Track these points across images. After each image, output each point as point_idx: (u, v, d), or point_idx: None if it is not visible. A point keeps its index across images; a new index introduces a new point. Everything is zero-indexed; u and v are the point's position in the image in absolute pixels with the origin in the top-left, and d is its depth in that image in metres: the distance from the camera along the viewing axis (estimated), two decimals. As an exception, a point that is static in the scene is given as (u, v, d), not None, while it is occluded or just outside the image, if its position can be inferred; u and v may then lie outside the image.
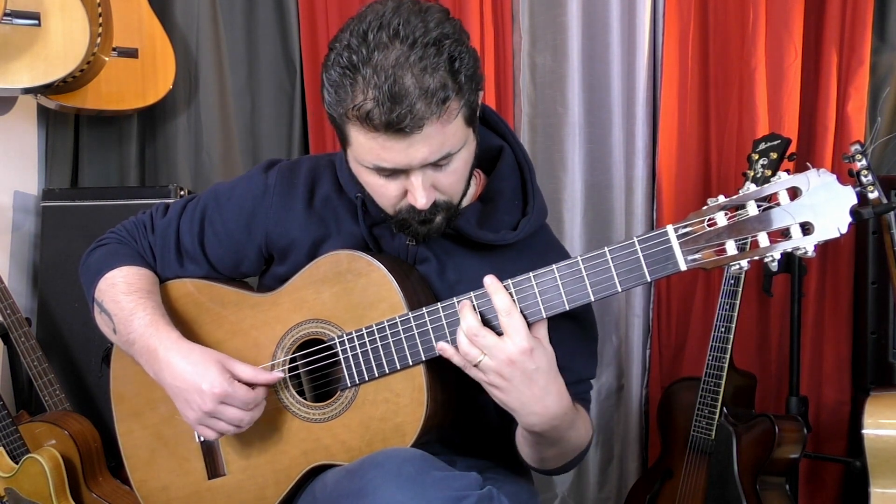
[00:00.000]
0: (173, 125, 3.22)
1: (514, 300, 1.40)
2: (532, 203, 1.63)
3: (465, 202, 1.61)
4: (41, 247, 2.98)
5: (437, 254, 1.61)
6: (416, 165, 1.40)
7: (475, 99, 1.43)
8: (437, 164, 1.42)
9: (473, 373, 1.42)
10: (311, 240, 1.64)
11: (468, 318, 1.40)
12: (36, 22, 2.66)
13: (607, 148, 3.08)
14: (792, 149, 2.56)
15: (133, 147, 3.22)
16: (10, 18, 2.59)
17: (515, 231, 1.59)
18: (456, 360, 1.43)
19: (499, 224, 1.60)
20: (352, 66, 1.34)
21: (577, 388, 1.63)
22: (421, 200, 1.43)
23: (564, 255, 1.67)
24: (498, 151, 1.65)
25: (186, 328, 1.67)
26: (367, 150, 1.40)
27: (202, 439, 1.68)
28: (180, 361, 1.55)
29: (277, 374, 1.58)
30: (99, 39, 2.84)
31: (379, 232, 1.62)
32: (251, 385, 1.55)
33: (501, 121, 1.68)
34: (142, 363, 1.63)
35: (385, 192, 1.47)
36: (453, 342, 1.45)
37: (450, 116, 1.37)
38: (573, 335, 1.61)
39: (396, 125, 1.32)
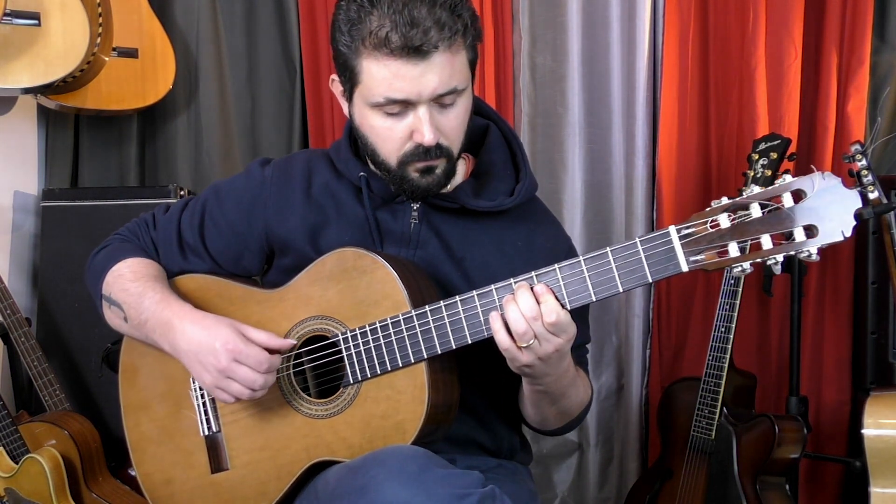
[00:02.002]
0: (173, 125, 3.22)
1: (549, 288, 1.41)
2: (524, 170, 1.70)
3: (457, 180, 1.67)
4: (41, 247, 2.98)
5: (440, 232, 1.65)
6: (426, 96, 1.48)
7: (475, 48, 1.53)
8: (442, 105, 1.51)
9: (515, 353, 1.43)
10: (310, 227, 1.66)
11: (529, 302, 1.40)
12: (36, 22, 2.66)
13: (607, 148, 3.08)
14: (792, 149, 2.56)
15: (133, 147, 3.22)
16: (10, 18, 2.59)
17: (512, 196, 1.65)
18: (501, 336, 1.42)
19: (495, 192, 1.66)
20: (369, 2, 1.45)
21: (576, 352, 1.69)
22: (428, 136, 1.50)
23: (558, 224, 1.77)
24: (484, 130, 1.72)
25: None
26: (379, 82, 1.47)
27: (207, 433, 1.69)
28: (194, 327, 1.58)
29: (290, 341, 1.59)
30: (99, 39, 2.83)
31: (382, 215, 1.65)
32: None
33: (483, 103, 1.77)
34: (156, 339, 1.64)
35: (390, 135, 1.53)
36: (457, 341, 1.46)
37: (458, 49, 1.48)
38: None
39: (413, 45, 1.42)
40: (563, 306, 1.40)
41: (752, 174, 2.50)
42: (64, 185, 3.16)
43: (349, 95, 1.57)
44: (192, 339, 1.57)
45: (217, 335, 1.55)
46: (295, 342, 1.60)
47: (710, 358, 2.57)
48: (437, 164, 1.55)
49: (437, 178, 1.57)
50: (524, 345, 1.41)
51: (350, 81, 1.54)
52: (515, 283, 1.43)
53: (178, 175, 3.19)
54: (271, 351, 1.56)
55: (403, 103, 1.49)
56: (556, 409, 1.64)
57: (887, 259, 2.48)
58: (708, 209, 1.31)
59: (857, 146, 2.41)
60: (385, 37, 1.43)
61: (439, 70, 1.46)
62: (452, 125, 1.54)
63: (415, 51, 1.43)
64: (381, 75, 1.47)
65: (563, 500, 3.17)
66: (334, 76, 1.60)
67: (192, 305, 1.64)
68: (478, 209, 1.63)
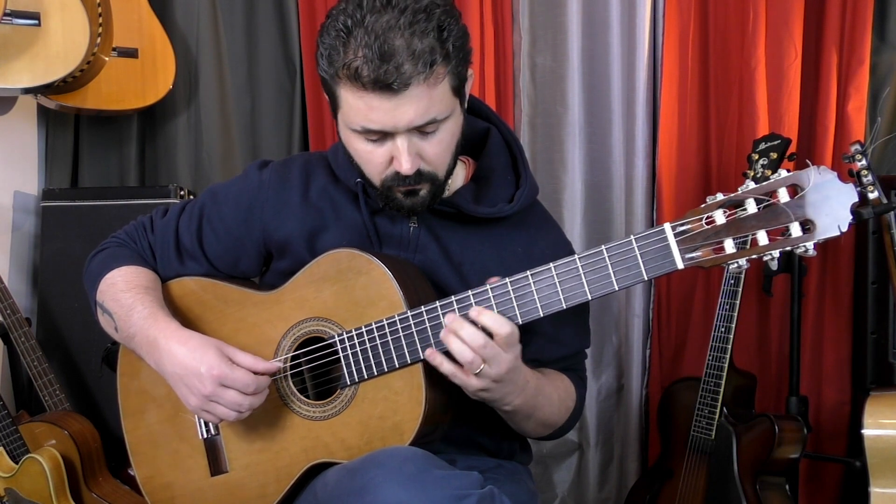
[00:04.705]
0: (173, 125, 3.22)
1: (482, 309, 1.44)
2: (524, 176, 1.68)
3: (456, 184, 1.66)
4: (41, 247, 2.98)
5: (439, 237, 1.64)
6: (402, 128, 1.44)
7: (463, 71, 1.49)
8: (423, 132, 1.47)
9: (465, 380, 1.45)
10: (308, 231, 1.66)
11: (469, 330, 1.42)
12: (36, 22, 2.66)
13: (607, 148, 3.07)
14: (792, 149, 2.56)
15: (133, 147, 3.22)
16: (10, 18, 2.59)
17: (511, 203, 1.64)
18: (445, 367, 1.45)
19: (495, 198, 1.64)
20: (346, 29, 1.41)
21: (570, 361, 1.72)
22: (405, 165, 1.47)
23: (558, 230, 1.76)
24: (484, 133, 1.70)
25: (191, 325, 1.68)
26: (355, 111, 1.45)
27: (206, 436, 1.69)
28: (179, 348, 1.57)
29: (276, 364, 1.59)
30: (99, 39, 2.84)
31: (380, 219, 1.65)
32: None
33: (484, 105, 1.74)
34: (143, 355, 1.64)
35: (371, 159, 1.52)
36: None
37: (437, 80, 1.43)
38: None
39: (384, 82, 1.38)
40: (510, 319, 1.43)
41: (752, 174, 2.50)
42: (64, 185, 3.17)
43: (334, 116, 1.56)
44: (177, 362, 1.57)
45: (203, 359, 1.54)
46: (281, 364, 1.60)
47: (710, 358, 2.57)
48: (421, 188, 1.54)
49: (423, 199, 1.55)
50: (475, 371, 1.43)
51: (333, 104, 1.53)
52: (511, 281, 1.43)
53: (178, 175, 3.19)
54: (258, 374, 1.56)
55: (381, 132, 1.47)
56: (534, 423, 1.64)
57: (887, 259, 2.47)
58: (703, 205, 1.31)
59: (857, 146, 2.40)
60: (356, 70, 1.39)
61: (416, 103, 1.42)
62: (435, 151, 1.51)
63: (386, 87, 1.39)
64: (357, 106, 1.44)
65: (563, 500, 3.17)
66: None
67: (179, 323, 1.63)
68: (477, 215, 1.62)
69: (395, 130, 1.45)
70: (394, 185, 1.53)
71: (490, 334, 1.42)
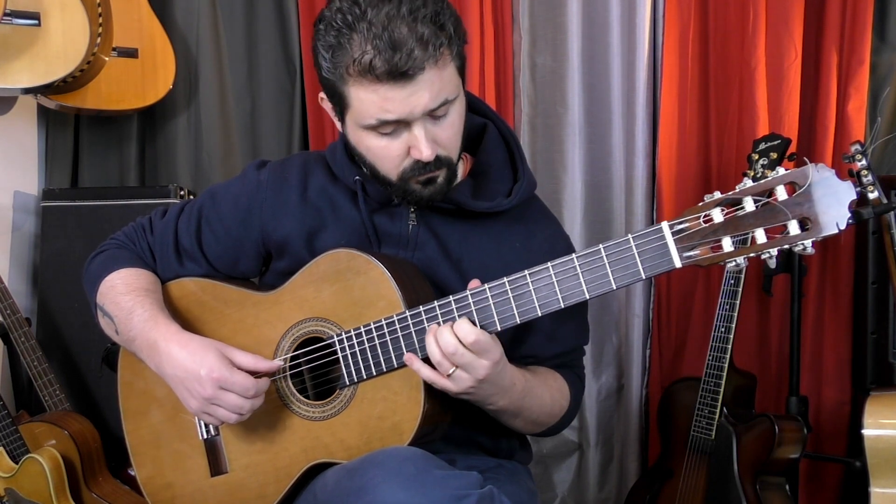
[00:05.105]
0: (173, 125, 3.22)
1: (474, 322, 1.45)
2: (522, 170, 1.69)
3: (455, 179, 1.66)
4: (41, 247, 2.98)
5: (438, 233, 1.64)
6: (418, 114, 1.46)
7: (463, 51, 1.51)
8: (435, 117, 1.49)
9: (442, 383, 1.46)
10: (307, 231, 1.66)
11: (445, 336, 1.43)
12: (36, 22, 2.66)
13: (607, 148, 3.08)
14: (792, 149, 2.56)
15: (133, 147, 3.22)
16: (10, 18, 2.60)
17: (510, 197, 1.64)
18: (424, 372, 1.46)
19: (493, 193, 1.65)
20: (347, 26, 1.42)
21: (567, 357, 1.72)
22: (426, 151, 1.48)
23: (557, 224, 1.76)
24: (481, 129, 1.71)
25: (190, 326, 1.68)
26: (369, 105, 1.45)
27: (206, 436, 1.69)
28: (180, 351, 1.57)
29: (277, 363, 1.59)
30: (99, 39, 2.84)
31: (378, 218, 1.65)
32: (251, 374, 1.56)
33: (480, 101, 1.76)
34: (143, 358, 1.65)
35: (388, 154, 1.52)
36: None
37: (445, 62, 1.45)
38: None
39: (399, 70, 1.39)
40: (482, 328, 1.44)
41: (752, 174, 2.49)
42: (64, 185, 3.17)
43: (341, 117, 1.56)
44: (177, 365, 1.57)
45: (203, 362, 1.54)
46: (282, 363, 1.60)
47: (710, 358, 2.57)
48: (439, 174, 1.55)
49: (440, 186, 1.56)
50: (448, 373, 1.43)
51: (339, 105, 1.53)
52: (509, 281, 1.43)
53: (178, 175, 3.19)
54: (259, 374, 1.56)
55: (396, 123, 1.48)
56: (522, 421, 1.64)
57: (887, 259, 2.47)
58: (701, 204, 1.31)
59: (857, 146, 2.40)
60: (369, 63, 1.40)
61: (428, 87, 1.43)
62: (448, 134, 1.53)
63: (401, 75, 1.40)
64: (371, 100, 1.45)
65: (563, 500, 3.17)
66: (322, 95, 1.58)
67: (179, 325, 1.63)
68: (475, 210, 1.62)
69: (411, 118, 1.46)
70: (412, 177, 1.54)
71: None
